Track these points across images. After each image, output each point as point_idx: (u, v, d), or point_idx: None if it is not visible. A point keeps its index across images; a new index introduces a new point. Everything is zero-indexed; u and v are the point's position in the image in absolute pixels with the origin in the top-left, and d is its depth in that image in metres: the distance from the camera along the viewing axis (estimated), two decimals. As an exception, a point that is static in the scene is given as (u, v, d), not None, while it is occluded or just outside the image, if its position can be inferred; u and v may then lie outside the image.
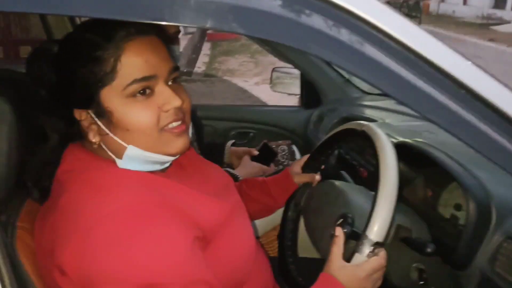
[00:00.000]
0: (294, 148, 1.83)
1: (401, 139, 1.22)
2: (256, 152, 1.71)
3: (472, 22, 14.43)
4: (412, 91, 0.67)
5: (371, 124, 0.99)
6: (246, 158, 1.69)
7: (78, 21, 1.81)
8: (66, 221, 0.70)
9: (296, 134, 2.06)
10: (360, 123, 1.01)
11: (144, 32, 0.74)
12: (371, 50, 0.64)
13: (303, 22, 0.61)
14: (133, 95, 0.73)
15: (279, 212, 1.42)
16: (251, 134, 2.09)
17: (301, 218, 1.18)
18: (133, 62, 0.72)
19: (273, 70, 2.18)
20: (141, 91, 0.73)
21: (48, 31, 1.68)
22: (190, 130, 0.83)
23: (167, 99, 0.74)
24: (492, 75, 0.72)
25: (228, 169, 1.62)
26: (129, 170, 0.76)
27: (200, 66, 7.97)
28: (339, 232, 0.83)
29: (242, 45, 9.82)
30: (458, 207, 1.07)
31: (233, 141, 1.83)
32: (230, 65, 8.18)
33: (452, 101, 0.69)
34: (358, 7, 0.64)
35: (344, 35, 0.63)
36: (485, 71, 0.71)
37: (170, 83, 0.77)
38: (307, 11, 0.61)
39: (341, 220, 0.89)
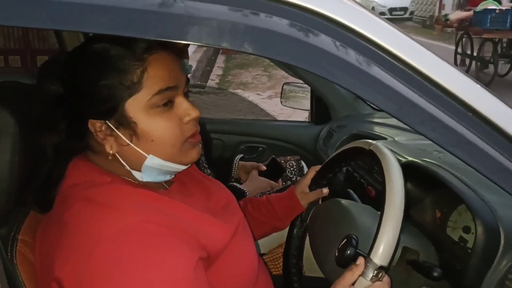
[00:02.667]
0: (303, 163, 1.83)
1: (410, 158, 1.21)
2: (264, 167, 1.71)
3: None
4: (418, 111, 0.66)
5: (379, 143, 0.98)
6: (254, 173, 1.69)
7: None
8: (68, 236, 0.70)
9: (306, 150, 2.05)
10: (368, 142, 1.00)
11: (164, 47, 0.76)
12: (377, 72, 0.64)
13: (310, 43, 0.61)
14: (157, 105, 0.74)
15: (285, 230, 1.42)
16: (260, 148, 2.09)
17: (307, 236, 1.17)
18: (158, 73, 0.74)
19: (284, 84, 2.18)
20: (164, 103, 0.75)
21: (62, 43, 1.71)
22: None
23: (186, 110, 0.77)
24: (500, 99, 0.71)
25: (235, 184, 1.62)
26: (133, 188, 0.76)
27: (213, 79, 8.03)
28: (361, 261, 0.79)
29: (256, 58, 9.85)
30: (467, 229, 1.05)
31: (242, 155, 1.83)
32: (244, 78, 8.22)
33: (459, 123, 0.68)
34: (366, 28, 0.64)
35: (351, 56, 0.63)
36: (493, 93, 0.71)
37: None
38: (315, 32, 0.61)
39: (344, 241, 0.88)
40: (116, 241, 0.67)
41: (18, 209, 0.84)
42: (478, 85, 0.70)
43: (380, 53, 0.64)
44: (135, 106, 0.74)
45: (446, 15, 10.19)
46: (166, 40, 0.59)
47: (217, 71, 8.82)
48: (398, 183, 0.86)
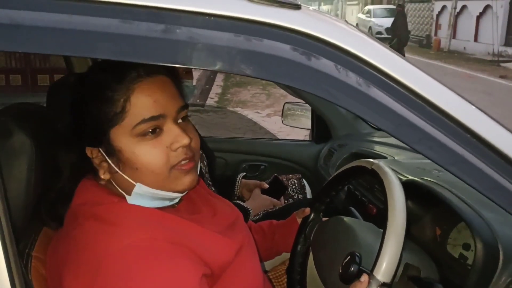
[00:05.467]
0: (304, 181, 1.85)
1: (410, 177, 1.24)
2: (266, 186, 1.73)
3: (482, 59, 14.52)
4: (415, 131, 0.69)
5: (381, 163, 1.01)
6: (257, 191, 1.71)
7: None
8: (76, 252, 0.72)
9: (307, 168, 2.08)
10: (370, 161, 1.04)
11: (154, 72, 0.76)
12: (376, 93, 0.67)
13: (312, 67, 0.64)
14: (142, 134, 0.74)
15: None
16: (262, 167, 2.11)
17: (310, 252, 1.19)
18: (142, 102, 0.74)
19: (285, 103, 2.22)
20: (150, 131, 0.75)
21: (69, 63, 1.75)
22: (199, 166, 0.84)
23: (175, 137, 0.76)
24: (495, 119, 0.74)
25: (239, 201, 1.64)
26: (139, 206, 0.78)
27: (212, 97, 8.08)
28: (365, 279, 0.80)
29: (255, 77, 9.92)
30: (466, 246, 1.08)
31: (244, 173, 1.86)
32: (242, 97, 8.28)
33: (455, 142, 0.71)
34: (365, 52, 0.67)
35: (351, 78, 0.66)
36: (488, 114, 0.74)
37: (179, 121, 0.79)
38: (317, 56, 0.64)
39: (348, 257, 0.90)
40: (122, 258, 0.69)
41: (32, 225, 0.87)
42: (473, 107, 0.74)
43: (379, 75, 0.67)
44: (120, 135, 0.75)
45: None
46: (170, 65, 0.61)
47: (216, 89, 8.88)
48: (400, 201, 0.88)
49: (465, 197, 1.08)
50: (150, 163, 0.75)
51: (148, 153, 0.75)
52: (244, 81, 9.67)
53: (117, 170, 0.77)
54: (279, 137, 5.07)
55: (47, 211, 0.84)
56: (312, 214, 1.19)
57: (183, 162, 0.78)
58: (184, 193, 0.82)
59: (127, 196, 0.79)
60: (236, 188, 1.77)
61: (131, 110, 0.73)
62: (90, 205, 0.77)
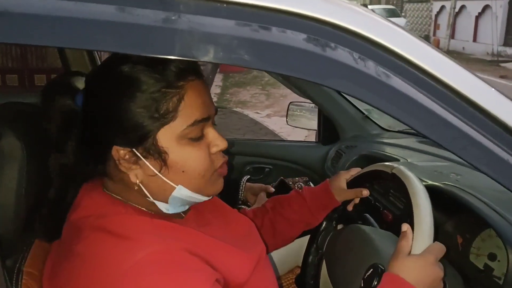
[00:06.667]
0: (311, 185, 1.78)
1: (430, 182, 1.17)
2: (272, 189, 1.66)
3: (482, 59, 14.49)
4: (445, 127, 0.63)
5: (402, 167, 0.94)
6: (262, 195, 1.63)
7: (96, 53, 1.80)
8: (86, 270, 0.65)
9: (313, 170, 2.00)
10: (390, 165, 0.96)
11: (198, 74, 0.72)
12: (399, 83, 0.61)
13: (328, 56, 0.58)
14: (189, 137, 0.70)
15: (296, 253, 1.36)
16: (267, 169, 2.04)
17: (323, 263, 1.12)
18: (194, 103, 0.70)
19: (290, 104, 2.15)
20: (198, 135, 0.72)
21: (66, 62, 1.67)
22: None
23: (215, 141, 0.74)
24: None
25: (244, 207, 1.56)
26: (149, 218, 0.71)
27: (212, 97, 8.02)
28: (407, 227, 0.79)
29: (254, 77, 9.90)
30: (492, 257, 1.01)
31: (249, 176, 1.78)
32: (242, 97, 8.22)
33: (489, 140, 0.65)
34: (386, 38, 0.60)
35: (370, 68, 0.59)
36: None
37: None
38: (332, 45, 0.58)
39: (371, 270, 0.83)
40: (138, 273, 0.63)
41: (24, 238, 0.79)
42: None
43: (402, 64, 0.61)
44: (168, 136, 0.69)
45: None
46: (170, 57, 0.55)
47: (215, 89, 8.82)
48: (426, 208, 0.82)
49: (492, 203, 1.00)
50: (198, 166, 0.72)
51: (195, 156, 0.71)
52: (244, 81, 9.62)
53: (157, 172, 0.70)
54: (279, 138, 5.01)
55: (43, 222, 0.77)
56: (324, 223, 1.12)
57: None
58: (209, 198, 0.78)
59: (157, 202, 0.73)
60: (240, 192, 1.69)
61: (184, 110, 0.69)
62: (95, 217, 0.70)
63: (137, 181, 0.71)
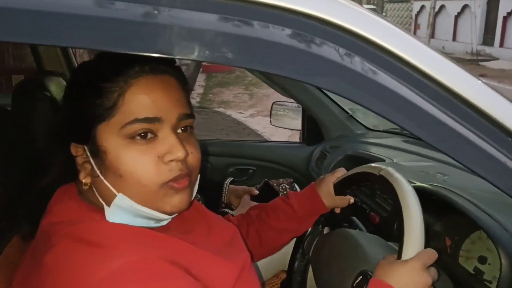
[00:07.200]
0: (296, 186, 1.74)
1: (417, 183, 1.14)
2: (256, 192, 1.61)
3: (461, 58, 14.70)
4: (435, 126, 0.60)
5: (390, 168, 0.91)
6: (246, 198, 1.59)
7: (71, 52, 1.74)
8: (55, 283, 0.59)
9: (298, 171, 1.97)
10: (377, 167, 0.93)
11: (160, 70, 0.66)
12: (387, 80, 0.58)
13: (313, 52, 0.54)
14: (132, 136, 0.64)
15: (281, 257, 1.31)
16: (251, 170, 1.99)
17: (310, 268, 1.08)
18: (138, 100, 0.64)
19: (274, 103, 2.11)
20: (142, 134, 0.65)
21: (39, 62, 1.60)
22: (196, 189, 0.73)
23: (169, 148, 0.66)
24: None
25: (227, 210, 1.52)
26: (125, 225, 0.66)
27: (194, 97, 7.95)
28: None
29: (237, 76, 9.86)
30: (482, 260, 0.98)
31: (232, 178, 1.73)
32: (225, 97, 8.17)
33: (480, 138, 0.62)
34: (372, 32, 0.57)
35: (357, 64, 0.56)
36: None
37: (179, 131, 0.69)
38: (318, 40, 0.55)
39: (360, 278, 0.80)
40: (112, 284, 0.58)
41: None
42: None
43: (390, 59, 0.58)
44: (106, 133, 0.65)
45: None
46: (146, 54, 0.51)
47: (198, 89, 8.75)
48: (416, 211, 0.79)
49: (482, 204, 0.97)
50: (135, 171, 0.64)
51: (134, 159, 0.64)
52: (227, 81, 9.57)
53: (98, 173, 0.66)
54: (262, 138, 4.98)
55: (24, 215, 0.73)
56: (310, 227, 1.08)
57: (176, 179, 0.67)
58: (172, 216, 0.71)
59: (105, 208, 0.67)
60: (223, 195, 1.64)
61: (124, 106, 0.64)
62: (66, 223, 0.64)
63: (84, 181, 0.67)
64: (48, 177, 0.73)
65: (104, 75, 0.65)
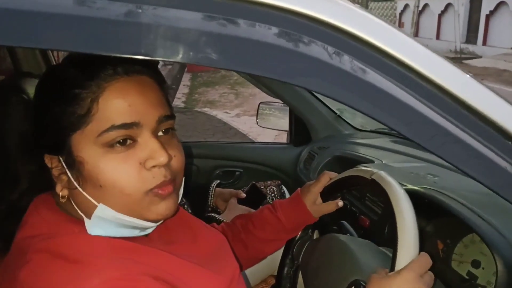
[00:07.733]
0: (284, 188, 1.71)
1: (409, 185, 1.11)
2: (243, 195, 1.58)
3: (445, 56, 14.85)
4: (424, 125, 0.57)
5: (381, 172, 0.88)
6: (233, 201, 1.55)
7: (50, 54, 1.68)
8: None
9: (285, 173, 1.93)
10: (369, 171, 0.90)
11: (134, 71, 0.62)
12: (377, 78, 0.55)
13: (300, 52, 0.51)
14: (110, 145, 0.60)
15: (269, 262, 1.28)
16: (237, 173, 1.95)
17: (299, 275, 1.05)
18: (113, 105, 0.60)
19: (260, 103, 2.07)
20: (120, 141, 0.60)
21: (16, 63, 1.54)
22: (181, 193, 0.69)
23: (151, 153, 0.62)
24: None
25: (214, 214, 1.48)
26: (105, 237, 0.62)
27: (180, 97, 7.88)
28: None
29: (223, 76, 9.81)
30: (476, 264, 0.96)
31: (218, 181, 1.69)
32: (210, 97, 8.11)
33: (471, 137, 0.59)
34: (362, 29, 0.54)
35: (346, 63, 0.53)
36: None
37: (160, 133, 0.64)
38: (305, 39, 0.51)
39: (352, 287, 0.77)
40: None
41: None
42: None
43: (380, 56, 0.55)
44: (82, 143, 0.61)
45: None
46: (128, 56, 0.47)
47: (183, 89, 8.68)
48: (410, 218, 0.76)
49: (474, 207, 0.95)
50: (117, 181, 0.60)
51: (115, 168, 0.60)
52: (212, 80, 9.52)
53: (76, 185, 0.62)
54: (249, 138, 4.95)
55: None
56: (300, 232, 1.05)
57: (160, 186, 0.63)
58: (158, 223, 0.67)
59: (86, 220, 0.62)
60: (209, 198, 1.60)
61: (99, 113, 0.60)
62: (42, 237, 0.60)
63: (61, 193, 0.63)
64: (17, 189, 0.68)
65: (74, 80, 0.60)
